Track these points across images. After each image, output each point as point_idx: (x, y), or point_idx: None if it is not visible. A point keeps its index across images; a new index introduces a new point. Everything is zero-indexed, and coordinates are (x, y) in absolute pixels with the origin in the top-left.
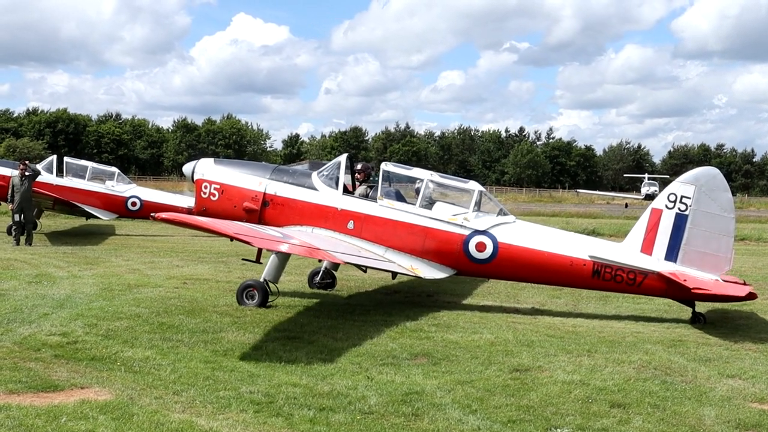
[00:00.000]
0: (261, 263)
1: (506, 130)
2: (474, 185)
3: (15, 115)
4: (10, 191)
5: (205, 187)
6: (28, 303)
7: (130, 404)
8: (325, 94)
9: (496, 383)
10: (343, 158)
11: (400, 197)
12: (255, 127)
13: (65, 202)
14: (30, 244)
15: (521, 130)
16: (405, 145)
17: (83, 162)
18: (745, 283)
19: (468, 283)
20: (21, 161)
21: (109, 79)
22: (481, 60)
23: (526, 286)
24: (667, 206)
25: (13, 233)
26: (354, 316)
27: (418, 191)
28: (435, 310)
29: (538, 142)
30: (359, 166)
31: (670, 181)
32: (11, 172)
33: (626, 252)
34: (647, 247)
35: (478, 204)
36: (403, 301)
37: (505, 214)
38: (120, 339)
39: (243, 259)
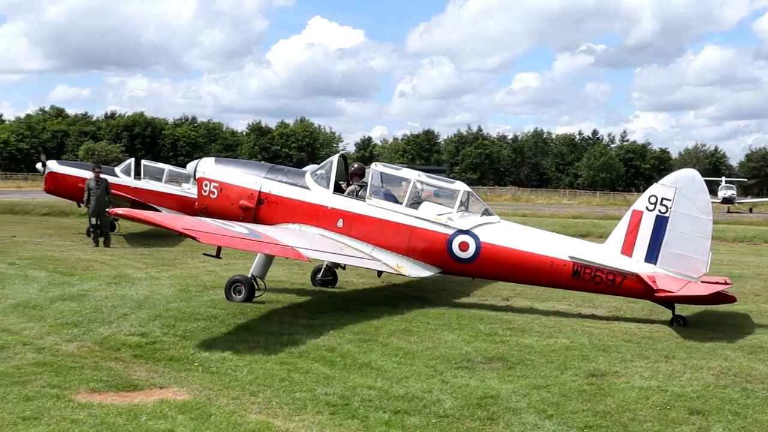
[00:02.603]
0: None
1: (579, 133)
2: (459, 185)
3: (94, 119)
4: (86, 195)
5: (206, 186)
6: (107, 303)
7: (207, 404)
8: (399, 97)
9: (571, 388)
10: (335, 158)
11: (389, 197)
12: (328, 130)
13: (143, 205)
14: (108, 246)
15: (595, 132)
16: (477, 148)
17: (160, 165)
18: (726, 283)
19: (542, 288)
20: (95, 165)
21: (187, 83)
22: (557, 62)
23: None
24: (647, 208)
25: (92, 235)
26: (428, 318)
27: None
28: (509, 313)
29: (612, 145)
30: (355, 166)
31: (749, 185)
32: (89, 175)
33: (606, 253)
34: (627, 248)
35: (463, 204)
36: (477, 304)
37: (489, 215)
38: (197, 340)
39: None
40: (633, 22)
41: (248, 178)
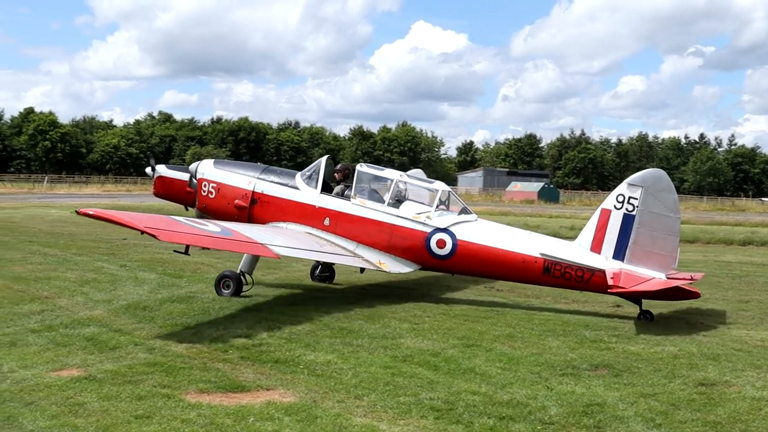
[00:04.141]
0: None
1: (686, 137)
2: (438, 185)
3: (200, 124)
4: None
5: (205, 186)
6: (215, 305)
7: (313, 407)
8: (502, 101)
9: (680, 397)
10: (323, 159)
11: (373, 196)
12: (430, 135)
13: None
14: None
15: (702, 136)
16: (580, 152)
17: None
18: (692, 279)
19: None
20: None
21: (291, 88)
22: (664, 64)
23: (709, 298)
24: (615, 207)
25: None
26: (532, 325)
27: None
28: (615, 320)
29: (719, 149)
30: (338, 167)
31: None
32: None
33: (576, 250)
34: (596, 246)
35: (443, 203)
36: (581, 310)
37: (467, 213)
38: (302, 342)
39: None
40: (745, 23)
41: (243, 178)
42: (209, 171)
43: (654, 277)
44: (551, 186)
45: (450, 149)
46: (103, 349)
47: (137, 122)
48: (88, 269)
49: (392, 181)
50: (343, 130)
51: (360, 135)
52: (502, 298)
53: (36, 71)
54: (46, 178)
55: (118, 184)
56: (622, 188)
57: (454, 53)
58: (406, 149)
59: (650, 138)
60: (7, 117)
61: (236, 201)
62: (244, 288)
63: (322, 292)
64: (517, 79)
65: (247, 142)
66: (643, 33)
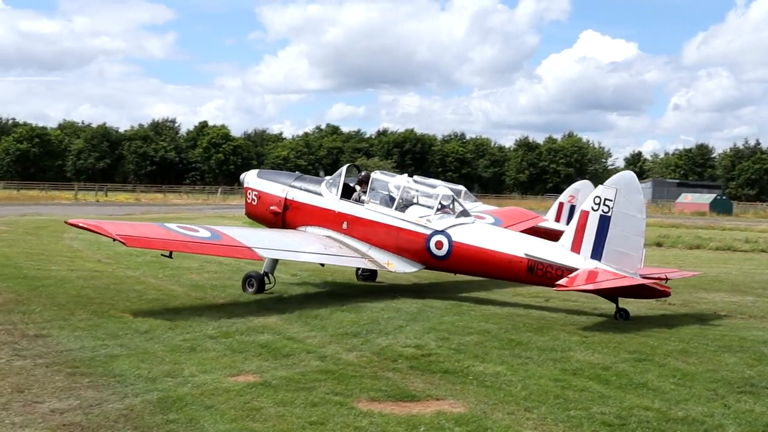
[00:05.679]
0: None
1: None
2: (440, 190)
3: (366, 136)
4: None
5: (249, 194)
6: (384, 315)
7: (483, 418)
8: (673, 110)
9: None
10: (344, 168)
11: (384, 201)
12: (596, 145)
13: None
14: None
15: None
16: (755, 163)
17: (432, 181)
18: (666, 279)
19: None
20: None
21: (457, 99)
22: None
23: None
24: (593, 208)
25: None
26: (707, 340)
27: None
28: None
29: None
30: (361, 175)
31: None
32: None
33: (557, 251)
34: (576, 246)
35: (443, 207)
36: (760, 327)
37: (465, 215)
38: (471, 353)
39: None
40: None
41: (278, 187)
42: (252, 180)
43: (625, 275)
44: (724, 197)
45: (617, 160)
46: (277, 356)
47: (305, 135)
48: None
49: (401, 186)
50: (508, 141)
51: (525, 146)
52: (672, 312)
53: (211, 86)
54: (220, 189)
55: None
56: (599, 190)
57: (624, 62)
58: (572, 160)
59: None
60: (183, 131)
61: (272, 207)
62: (267, 286)
63: (490, 305)
64: (689, 88)
65: (412, 154)
66: None
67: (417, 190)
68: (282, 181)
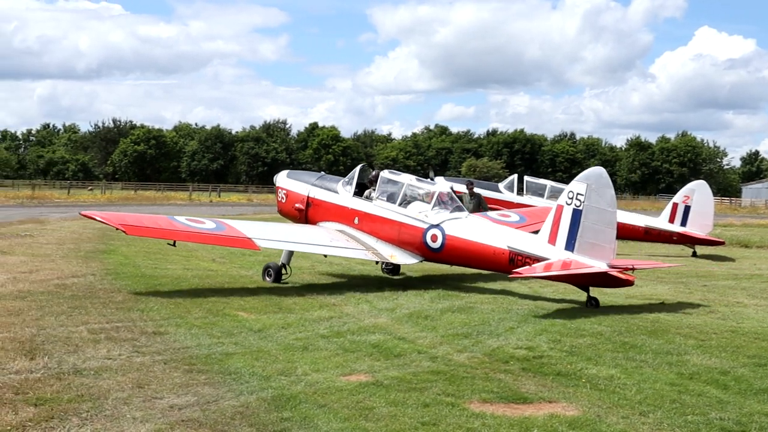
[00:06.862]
0: (175, 246)
1: None
2: (438, 187)
3: (476, 136)
4: None
5: (279, 193)
6: (494, 316)
7: (597, 421)
8: None
9: None
10: (358, 167)
11: (390, 198)
12: (711, 145)
13: None
14: None
15: None
16: None
17: (542, 181)
18: (633, 269)
19: None
20: (468, 182)
21: (568, 99)
22: None
23: None
24: (566, 203)
25: None
26: None
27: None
28: None
29: None
30: (373, 173)
31: None
32: (463, 189)
33: (536, 243)
34: (552, 238)
35: (442, 202)
36: None
37: (459, 210)
38: (584, 356)
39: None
40: None
41: (302, 186)
42: (282, 180)
43: (594, 265)
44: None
45: (733, 159)
46: (389, 356)
47: (414, 135)
48: (370, 279)
49: (404, 184)
50: (620, 140)
51: (637, 146)
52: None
53: (321, 87)
54: None
55: None
56: (572, 185)
57: (741, 59)
58: (686, 160)
59: None
60: (294, 132)
61: (296, 205)
62: (284, 277)
63: (603, 308)
64: None
65: (522, 154)
66: None
67: (420, 188)
68: (306, 180)
